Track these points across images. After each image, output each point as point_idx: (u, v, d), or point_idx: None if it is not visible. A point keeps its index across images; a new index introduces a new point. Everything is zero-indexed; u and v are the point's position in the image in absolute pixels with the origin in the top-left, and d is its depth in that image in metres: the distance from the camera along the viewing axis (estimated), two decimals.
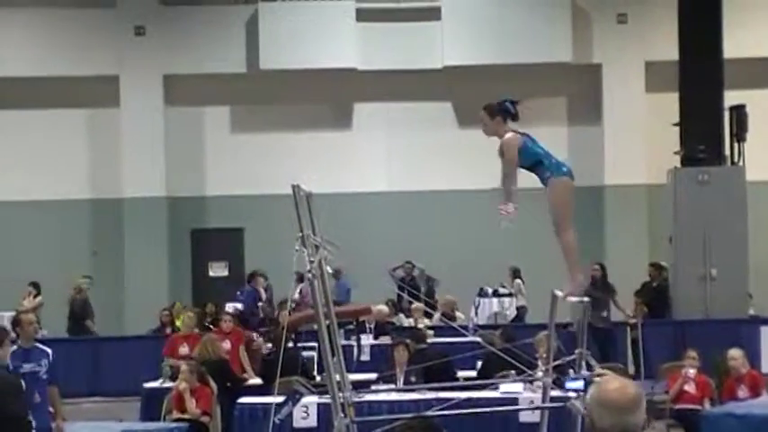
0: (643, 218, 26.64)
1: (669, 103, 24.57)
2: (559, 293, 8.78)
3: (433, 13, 26.63)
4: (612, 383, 4.46)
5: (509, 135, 8.79)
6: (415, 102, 27.40)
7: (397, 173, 27.32)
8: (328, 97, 26.99)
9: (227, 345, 16.53)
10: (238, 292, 26.03)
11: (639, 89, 26.76)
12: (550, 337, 9.18)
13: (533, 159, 8.73)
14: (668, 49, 24.84)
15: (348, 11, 26.48)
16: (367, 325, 19.98)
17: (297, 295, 23.97)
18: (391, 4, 26.90)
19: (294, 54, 26.09)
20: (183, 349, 16.95)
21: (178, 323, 21.40)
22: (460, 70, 26.56)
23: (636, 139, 26.50)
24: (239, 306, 24.59)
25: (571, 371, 8.45)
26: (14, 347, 11.24)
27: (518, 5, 26.60)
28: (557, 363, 8.99)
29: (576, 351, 8.50)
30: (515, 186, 8.77)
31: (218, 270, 27.69)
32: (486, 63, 26.39)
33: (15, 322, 11.60)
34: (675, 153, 23.66)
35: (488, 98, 28.22)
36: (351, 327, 19.03)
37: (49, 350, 11.38)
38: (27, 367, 11.16)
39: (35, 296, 23.59)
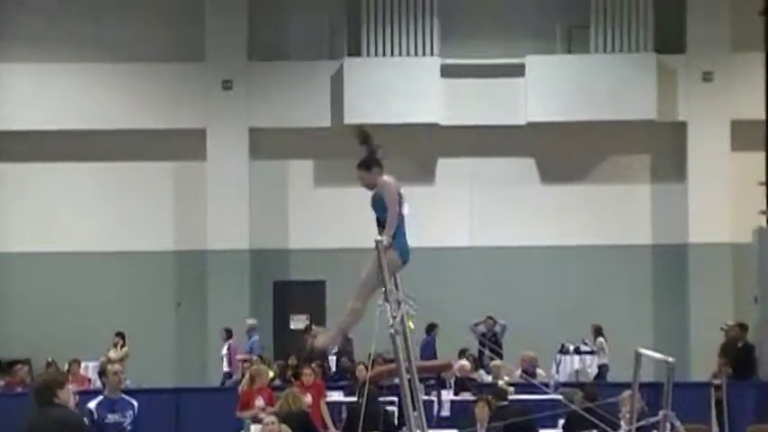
0: (727, 277, 26.30)
1: (755, 161, 24.39)
2: (645, 352, 8.71)
3: (517, 70, 26.68)
4: None
5: (386, 177, 8.66)
6: (498, 157, 27.41)
7: (480, 228, 27.30)
8: (412, 152, 27.07)
9: (308, 398, 16.56)
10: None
11: (725, 147, 26.54)
12: (634, 397, 9.10)
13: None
14: (754, 107, 24.71)
15: (433, 67, 26.64)
16: (447, 381, 19.92)
17: (225, 350, 24.25)
18: (476, 61, 26.98)
19: (378, 109, 26.24)
20: (259, 402, 16.94)
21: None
22: (544, 126, 26.57)
23: (720, 197, 26.26)
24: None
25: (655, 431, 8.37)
26: (100, 397, 11.35)
27: (603, 62, 26.59)
28: (640, 423, 8.90)
29: (661, 412, 8.41)
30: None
31: (299, 322, 27.77)
32: (569, 120, 26.37)
33: (101, 372, 11.75)
34: (761, 212, 23.42)
35: (572, 155, 28.30)
36: (431, 382, 18.99)
37: (135, 402, 11.41)
38: (112, 418, 11.24)
39: (121, 346, 23.83)
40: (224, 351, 24.78)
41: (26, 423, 9.39)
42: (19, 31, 27.23)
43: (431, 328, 24.26)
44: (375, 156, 8.76)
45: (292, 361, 23.46)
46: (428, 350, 23.80)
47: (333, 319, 26.44)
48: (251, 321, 25.18)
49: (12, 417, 20.35)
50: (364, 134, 8.83)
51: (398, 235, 8.63)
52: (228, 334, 24.91)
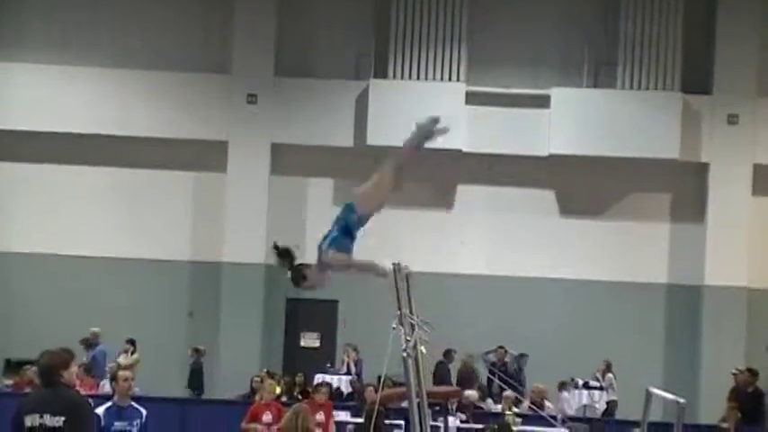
0: (742, 321, 26.18)
1: None
2: (655, 391, 8.69)
3: (542, 101, 26.70)
4: None
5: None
6: (519, 187, 27.40)
7: (497, 256, 27.27)
8: (432, 177, 27.08)
9: (320, 416, 16.55)
10: (328, 365, 26.17)
11: (746, 191, 26.48)
12: None
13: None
14: None
15: (458, 92, 26.64)
16: (450, 407, 19.89)
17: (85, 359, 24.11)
18: (501, 90, 27.00)
19: (401, 131, 25.97)
20: (267, 417, 16.96)
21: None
22: (566, 159, 26.56)
23: (739, 241, 26.19)
24: (329, 378, 24.73)
25: None
26: (109, 403, 11.32)
27: (628, 99, 26.58)
28: None
29: None
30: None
31: (309, 340, 27.78)
32: (591, 154, 26.37)
33: (112, 377, 11.73)
34: None
35: (592, 189, 28.17)
36: (437, 408, 18.95)
37: (144, 411, 11.35)
38: (118, 425, 11.19)
39: (132, 353, 23.85)
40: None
41: (29, 401, 9.32)
42: (45, 33, 27.37)
43: (448, 354, 24.29)
44: (297, 266, 9.01)
45: (299, 378, 23.46)
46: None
47: (343, 339, 26.49)
48: (94, 329, 24.91)
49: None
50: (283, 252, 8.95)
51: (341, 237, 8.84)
52: (87, 342, 24.62)
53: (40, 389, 9.43)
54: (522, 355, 25.51)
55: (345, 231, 8.82)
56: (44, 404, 9.13)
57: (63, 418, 9.14)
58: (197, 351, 25.60)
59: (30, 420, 9.12)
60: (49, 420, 9.08)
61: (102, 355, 24.55)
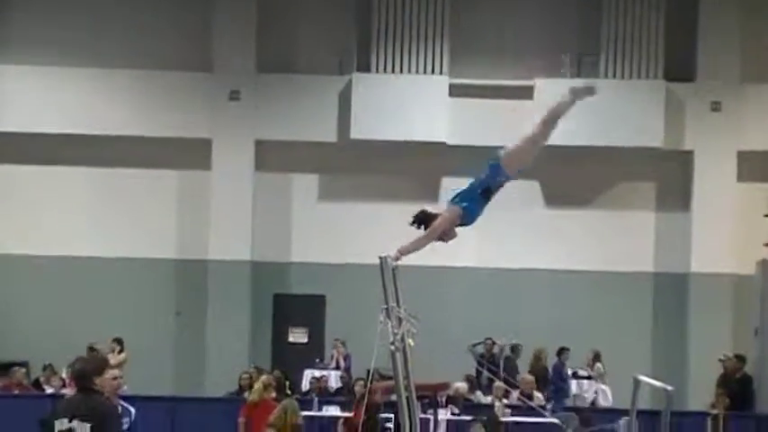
0: (728, 308, 26.23)
1: (761, 193, 24.36)
2: (644, 379, 8.69)
3: (525, 92, 26.62)
4: None
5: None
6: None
7: (482, 249, 27.23)
8: (417, 170, 27.09)
9: None
10: (317, 360, 26.15)
11: (731, 178, 26.50)
12: (632, 424, 9.07)
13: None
14: (762, 138, 24.73)
15: (441, 85, 26.64)
16: (440, 399, 19.89)
17: None
18: (485, 81, 27.00)
19: (385, 125, 26.27)
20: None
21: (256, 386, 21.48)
22: (550, 150, 26.15)
23: (725, 228, 26.21)
24: (317, 373, 24.72)
25: None
26: None
27: (611, 88, 26.50)
28: None
29: None
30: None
31: (298, 336, 27.76)
32: (575, 144, 26.30)
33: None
34: (766, 245, 23.39)
35: (577, 179, 28.14)
36: (427, 401, 18.93)
37: (132, 409, 11.34)
38: None
39: (119, 352, 23.81)
40: None
41: (61, 406, 9.53)
42: (24, 33, 27.21)
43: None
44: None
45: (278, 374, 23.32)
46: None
47: (331, 335, 26.46)
48: None
49: (9, 418, 20.47)
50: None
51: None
52: None
53: (75, 394, 9.58)
54: (516, 346, 25.48)
55: (484, 194, 8.66)
56: (74, 409, 9.25)
57: (90, 425, 9.26)
58: None
59: (59, 425, 9.26)
60: (78, 426, 9.18)
61: None
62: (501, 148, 8.91)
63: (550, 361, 24.21)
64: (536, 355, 24.24)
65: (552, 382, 23.72)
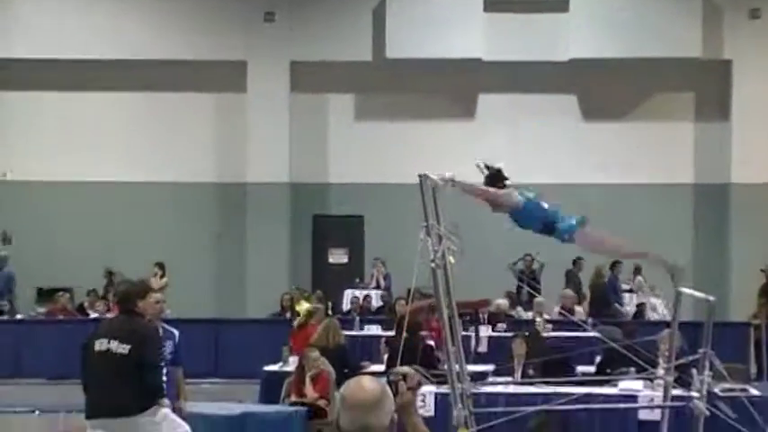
0: None
1: None
2: (685, 290, 8.65)
3: (560, 5, 26.38)
4: (355, 382, 4.40)
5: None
6: (540, 94, 27.20)
7: (520, 164, 26.92)
8: (453, 87, 26.93)
9: None
10: (357, 280, 26.25)
11: None
12: (673, 335, 9.05)
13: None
14: None
15: (476, 1, 26.39)
16: (481, 316, 19.96)
17: None
18: None
19: (420, 43, 26.08)
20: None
21: (298, 308, 21.62)
22: (586, 63, 26.30)
23: (765, 136, 25.96)
24: (357, 293, 24.83)
25: (694, 370, 8.30)
26: None
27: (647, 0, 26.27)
28: (680, 362, 8.84)
29: (701, 350, 8.35)
30: None
31: (337, 256, 27.86)
32: (612, 56, 26.10)
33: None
34: None
35: (614, 92, 27.81)
36: (468, 318, 18.98)
37: (176, 331, 11.38)
38: None
39: (161, 276, 23.97)
40: None
41: (102, 327, 9.85)
42: None
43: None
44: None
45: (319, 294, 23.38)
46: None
47: (371, 254, 26.50)
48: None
49: (53, 342, 20.73)
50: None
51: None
52: None
53: (117, 316, 9.94)
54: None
55: (544, 226, 8.69)
56: (115, 331, 9.62)
57: (129, 346, 9.41)
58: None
59: (98, 345, 9.54)
60: (116, 347, 9.47)
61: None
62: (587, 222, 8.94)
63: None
64: (597, 271, 24.17)
65: (607, 295, 23.74)
